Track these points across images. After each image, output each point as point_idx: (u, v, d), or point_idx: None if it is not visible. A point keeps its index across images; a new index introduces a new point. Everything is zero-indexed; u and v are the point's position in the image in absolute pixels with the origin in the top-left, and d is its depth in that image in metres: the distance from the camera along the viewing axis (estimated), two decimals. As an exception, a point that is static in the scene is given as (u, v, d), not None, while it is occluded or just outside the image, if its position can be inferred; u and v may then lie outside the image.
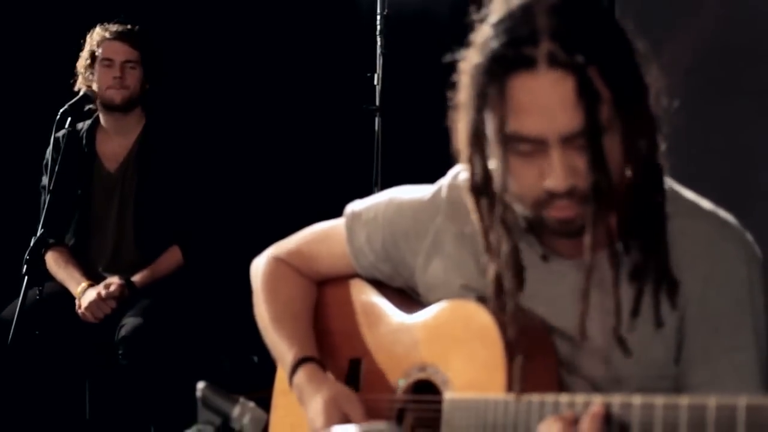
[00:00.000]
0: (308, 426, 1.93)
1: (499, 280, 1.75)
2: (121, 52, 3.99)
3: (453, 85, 1.74)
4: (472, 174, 1.74)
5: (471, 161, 1.73)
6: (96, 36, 4.03)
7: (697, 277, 1.75)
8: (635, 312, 1.74)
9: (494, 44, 1.64)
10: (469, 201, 1.78)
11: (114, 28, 4.03)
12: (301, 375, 1.97)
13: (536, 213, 1.69)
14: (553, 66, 1.60)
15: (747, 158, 2.71)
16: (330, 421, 1.88)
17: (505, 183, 1.67)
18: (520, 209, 1.72)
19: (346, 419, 1.88)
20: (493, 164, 1.70)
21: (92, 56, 4.01)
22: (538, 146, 1.63)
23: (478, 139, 1.70)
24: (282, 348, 2.02)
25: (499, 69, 1.63)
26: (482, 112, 1.67)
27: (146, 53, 4.03)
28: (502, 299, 1.75)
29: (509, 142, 1.64)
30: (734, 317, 1.75)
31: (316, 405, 1.91)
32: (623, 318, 1.74)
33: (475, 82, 1.67)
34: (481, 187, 1.73)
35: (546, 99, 1.61)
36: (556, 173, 1.63)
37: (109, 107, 4.01)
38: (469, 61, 1.69)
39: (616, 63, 1.63)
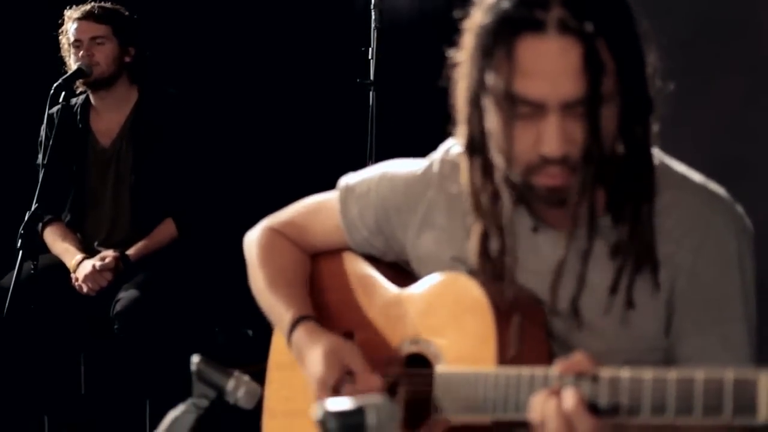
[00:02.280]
0: (308, 381, 1.93)
1: (484, 240, 1.77)
2: (87, 30, 3.98)
3: (452, 44, 1.75)
4: (469, 133, 1.75)
5: (469, 120, 1.74)
6: (67, 20, 4.03)
7: (688, 249, 1.76)
8: (613, 288, 1.75)
9: (505, 5, 1.65)
10: (462, 161, 1.79)
11: (81, 8, 4.02)
12: (299, 332, 1.97)
13: (526, 178, 1.70)
14: (563, 32, 1.61)
15: (739, 133, 2.72)
16: (330, 370, 1.87)
17: (501, 143, 1.69)
18: (509, 173, 1.73)
19: (346, 369, 1.88)
20: (490, 125, 1.71)
21: (69, 42, 4.01)
22: (537, 110, 1.64)
23: (478, 98, 1.71)
24: (279, 310, 2.03)
25: (508, 29, 1.64)
26: (485, 71, 1.68)
27: (117, 26, 4.01)
28: (486, 261, 1.77)
29: (510, 103, 1.65)
30: (724, 289, 1.76)
31: (316, 357, 1.90)
32: (598, 293, 1.75)
33: (481, 41, 1.68)
34: (477, 146, 1.74)
35: (552, 64, 1.62)
36: (552, 139, 1.64)
37: (89, 85, 4.01)
38: (476, 20, 1.70)
39: (622, 37, 1.65)
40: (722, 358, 1.70)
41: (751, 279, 1.79)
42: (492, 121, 1.70)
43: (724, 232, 1.77)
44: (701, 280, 1.76)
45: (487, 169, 1.75)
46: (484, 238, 1.78)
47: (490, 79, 1.67)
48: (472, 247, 1.80)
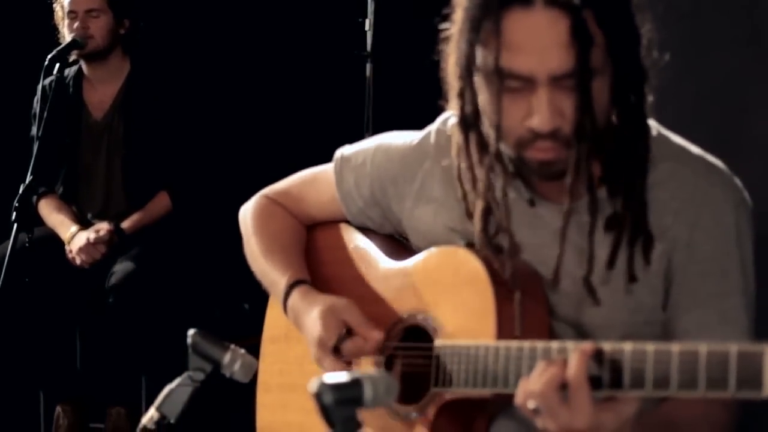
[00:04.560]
0: (308, 343, 1.91)
1: (486, 216, 1.75)
2: (82, 2, 3.95)
3: (445, 18, 1.74)
4: (462, 108, 1.74)
5: (461, 95, 1.73)
6: None
7: (685, 221, 1.74)
8: (611, 263, 1.74)
9: None
10: (457, 136, 1.78)
11: None
12: (295, 296, 1.95)
13: (518, 153, 1.70)
14: (549, 5, 1.61)
15: (739, 107, 2.70)
16: (329, 330, 1.86)
17: (491, 118, 1.68)
18: (504, 147, 1.72)
19: (344, 326, 1.87)
20: (481, 100, 1.70)
21: (63, 11, 3.98)
22: (526, 84, 1.64)
23: (468, 72, 1.70)
24: (274, 276, 2.01)
25: (495, 3, 1.64)
26: (474, 45, 1.67)
27: None
28: (487, 237, 1.75)
29: (499, 77, 1.64)
30: (721, 262, 1.74)
31: (313, 318, 1.89)
32: (597, 266, 1.74)
33: (470, 16, 1.67)
34: (471, 121, 1.73)
35: (539, 38, 1.62)
36: (542, 113, 1.63)
37: (84, 57, 3.98)
38: None
39: (611, 8, 1.64)
40: (720, 332, 1.69)
41: (750, 252, 1.78)
42: (482, 95, 1.70)
43: (721, 205, 1.75)
44: (699, 253, 1.74)
45: (483, 144, 1.74)
46: (486, 214, 1.77)
47: (479, 53, 1.67)
48: (475, 224, 1.79)
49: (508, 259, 1.75)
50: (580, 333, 1.77)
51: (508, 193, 1.75)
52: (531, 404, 1.55)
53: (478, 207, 1.78)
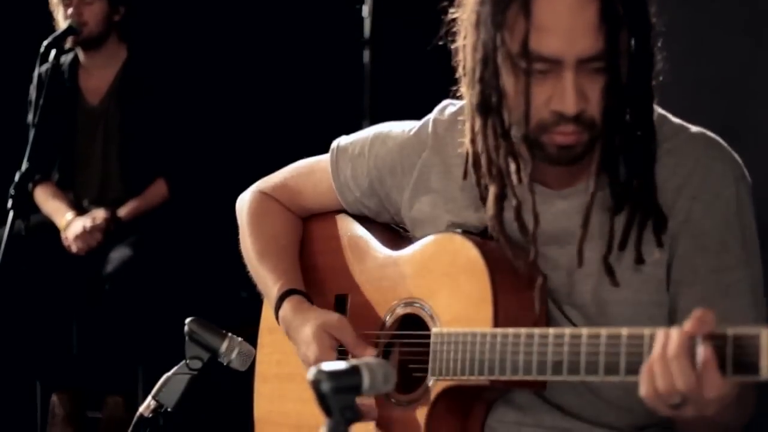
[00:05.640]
0: (300, 359, 1.91)
1: (500, 201, 1.74)
2: None
3: (451, 2, 1.74)
4: (482, 92, 1.72)
5: (481, 79, 1.71)
6: None
7: (685, 196, 1.73)
8: (622, 244, 1.72)
9: None
10: (471, 122, 1.76)
11: None
12: (286, 307, 1.94)
13: (537, 136, 1.68)
14: None
15: (741, 94, 2.69)
16: (322, 348, 1.85)
17: (516, 102, 1.67)
18: (515, 131, 1.71)
19: (338, 344, 1.86)
20: (504, 83, 1.69)
21: None
22: (553, 66, 1.64)
23: (491, 56, 1.68)
24: (267, 282, 2.01)
25: None
26: (502, 29, 1.66)
27: None
28: (501, 223, 1.74)
29: (526, 60, 1.64)
30: (722, 236, 1.73)
31: (306, 335, 1.88)
32: (613, 248, 1.72)
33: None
34: (494, 106, 1.71)
35: (569, 20, 1.62)
36: (568, 96, 1.63)
37: (80, 43, 3.97)
38: None
39: None
40: (722, 308, 1.64)
41: (752, 226, 1.76)
42: (506, 79, 1.68)
43: (721, 178, 1.74)
44: (699, 227, 1.73)
45: (502, 129, 1.72)
46: (500, 199, 1.75)
47: (505, 36, 1.66)
48: (488, 209, 1.77)
49: (533, 242, 1.73)
50: (596, 315, 1.75)
51: (523, 178, 1.74)
52: (676, 398, 1.46)
53: (492, 192, 1.76)
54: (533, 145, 1.70)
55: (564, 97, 1.63)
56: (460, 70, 1.76)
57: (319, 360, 1.84)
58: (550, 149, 1.69)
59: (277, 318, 1.96)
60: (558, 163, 1.72)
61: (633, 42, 1.65)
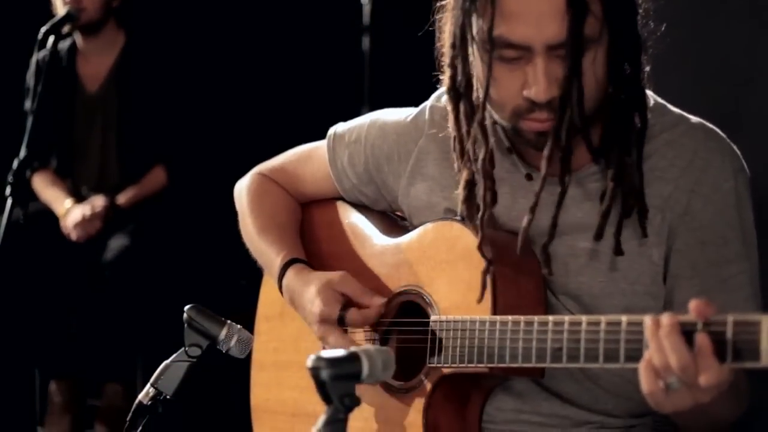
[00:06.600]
0: (305, 320, 1.90)
1: (470, 187, 1.74)
2: None
3: None
4: (453, 78, 1.72)
5: (453, 64, 1.72)
6: None
7: (683, 188, 1.73)
8: (598, 235, 1.71)
9: None
10: (448, 106, 1.76)
11: None
12: (290, 275, 1.94)
13: (514, 123, 1.69)
14: None
15: (741, 78, 2.69)
16: (326, 301, 1.84)
17: (487, 88, 1.67)
18: (498, 118, 1.71)
19: (343, 298, 1.85)
20: (475, 69, 1.69)
21: None
22: (523, 53, 1.63)
23: (463, 42, 1.69)
24: (270, 255, 2.00)
25: None
26: (471, 14, 1.66)
27: None
28: (472, 208, 1.74)
29: (495, 47, 1.64)
30: (721, 229, 1.73)
31: (310, 293, 1.87)
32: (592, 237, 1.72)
33: None
34: (462, 91, 1.72)
35: (537, 7, 1.61)
36: (539, 82, 1.63)
37: (78, 29, 3.96)
38: None
39: None
40: (722, 300, 1.64)
41: (750, 220, 1.75)
42: (477, 65, 1.69)
43: (720, 171, 1.74)
44: (697, 220, 1.73)
45: (471, 114, 1.73)
46: (470, 185, 1.75)
47: (474, 22, 1.66)
48: (459, 194, 1.77)
49: (480, 228, 1.72)
50: (591, 305, 1.74)
51: (507, 167, 1.73)
52: (672, 378, 1.45)
53: (462, 177, 1.76)
54: (514, 131, 1.71)
55: (535, 84, 1.63)
56: (439, 54, 1.77)
57: (324, 314, 1.84)
58: (528, 135, 1.70)
59: (280, 288, 1.96)
60: (538, 149, 1.71)
61: (610, 27, 1.63)
